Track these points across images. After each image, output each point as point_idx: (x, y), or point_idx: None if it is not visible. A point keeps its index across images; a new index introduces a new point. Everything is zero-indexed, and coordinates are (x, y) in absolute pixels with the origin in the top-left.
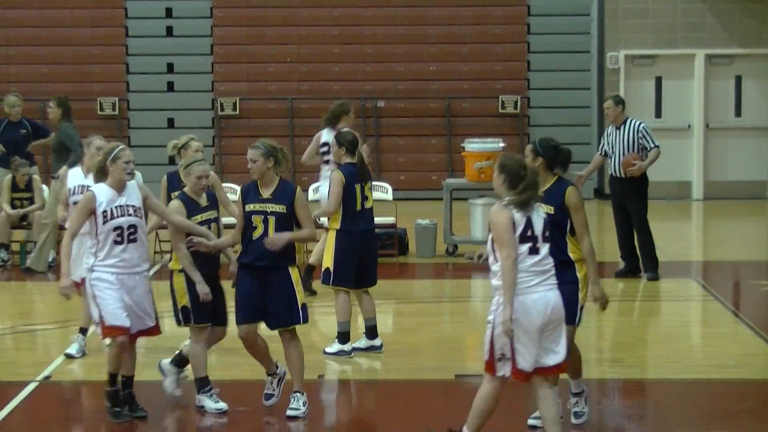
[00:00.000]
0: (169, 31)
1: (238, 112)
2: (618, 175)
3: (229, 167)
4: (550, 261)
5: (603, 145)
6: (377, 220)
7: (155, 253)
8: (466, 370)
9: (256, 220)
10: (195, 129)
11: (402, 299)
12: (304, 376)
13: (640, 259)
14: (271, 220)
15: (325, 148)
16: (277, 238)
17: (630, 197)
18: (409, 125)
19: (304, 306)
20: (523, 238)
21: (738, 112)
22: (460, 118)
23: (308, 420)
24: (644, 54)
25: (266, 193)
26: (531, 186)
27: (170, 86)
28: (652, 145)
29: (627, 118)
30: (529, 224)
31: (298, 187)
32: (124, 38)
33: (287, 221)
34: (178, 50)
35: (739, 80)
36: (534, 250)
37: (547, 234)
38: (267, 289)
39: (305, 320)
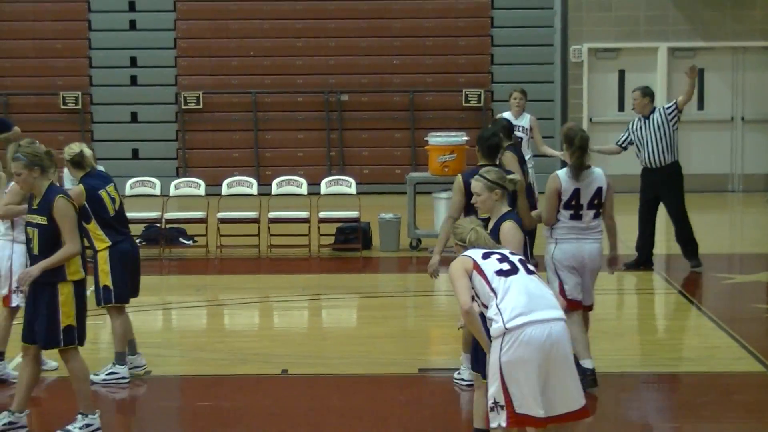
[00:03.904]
0: (132, 25)
1: (201, 105)
2: (653, 166)
3: (192, 161)
4: None
5: (626, 136)
6: (340, 214)
7: None
8: (430, 364)
9: None
10: (158, 123)
11: (366, 293)
12: None
13: (681, 250)
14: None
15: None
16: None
17: (668, 188)
18: (373, 119)
19: None
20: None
21: (701, 105)
22: (423, 112)
23: (272, 415)
24: (607, 47)
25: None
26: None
27: (133, 80)
28: (673, 103)
29: (654, 108)
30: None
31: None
32: (86, 32)
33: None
34: (142, 44)
35: (702, 73)
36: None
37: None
38: None
39: None
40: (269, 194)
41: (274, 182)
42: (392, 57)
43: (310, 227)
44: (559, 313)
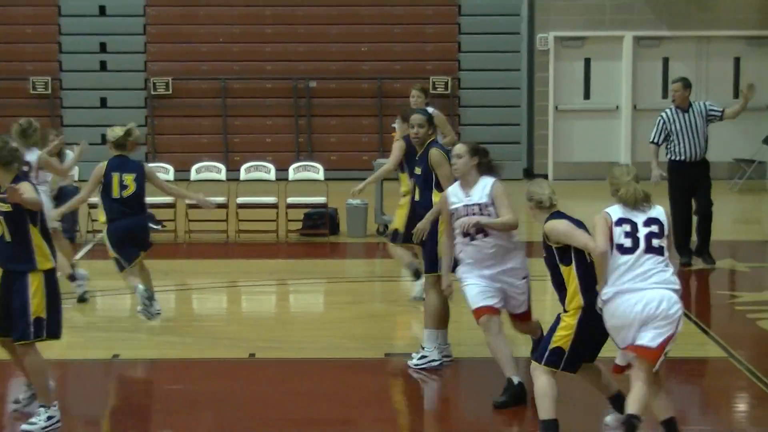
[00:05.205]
0: (102, 11)
1: (170, 91)
2: (692, 159)
3: (161, 147)
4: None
5: (659, 132)
6: (308, 200)
7: (87, 232)
8: (396, 348)
9: None
10: (128, 108)
11: (333, 278)
12: None
13: (698, 244)
14: None
15: None
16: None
17: (702, 182)
18: (341, 105)
19: None
20: None
21: (665, 94)
22: (391, 99)
23: (240, 399)
24: (573, 36)
25: None
26: None
27: (103, 66)
28: (720, 110)
29: (691, 102)
30: None
31: None
32: (56, 17)
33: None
34: (111, 30)
35: (666, 62)
36: None
37: None
38: None
39: None
40: (238, 180)
41: (243, 168)
42: (361, 44)
43: (278, 212)
44: (670, 285)
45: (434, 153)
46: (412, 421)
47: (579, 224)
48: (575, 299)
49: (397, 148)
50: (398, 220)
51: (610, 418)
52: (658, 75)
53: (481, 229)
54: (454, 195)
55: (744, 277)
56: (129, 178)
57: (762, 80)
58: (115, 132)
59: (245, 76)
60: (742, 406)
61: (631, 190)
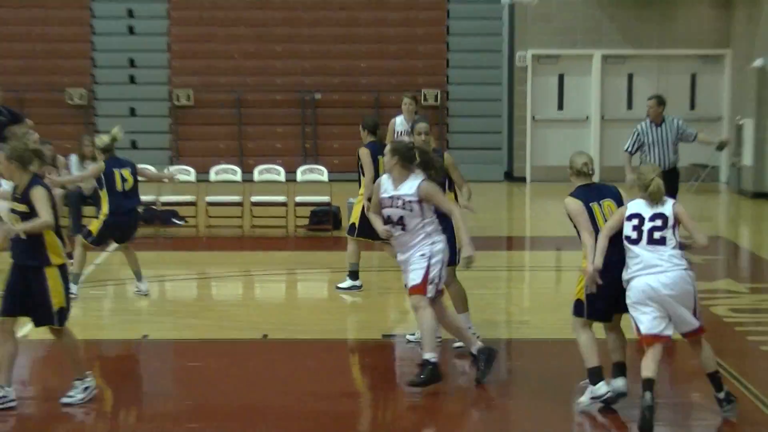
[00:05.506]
0: (131, 30)
1: (192, 102)
2: (662, 169)
3: (184, 152)
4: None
5: (633, 142)
6: (314, 199)
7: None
8: (392, 330)
9: None
10: (154, 117)
11: (335, 268)
12: None
13: None
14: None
15: None
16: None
17: (669, 189)
18: (343, 115)
19: None
20: None
21: (630, 105)
22: (387, 109)
23: (253, 375)
24: (549, 54)
25: None
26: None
27: (132, 79)
28: (694, 133)
29: (665, 117)
30: None
31: None
32: (90, 36)
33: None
34: (139, 47)
35: (631, 77)
36: None
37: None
38: None
39: None
40: (251, 181)
41: (256, 170)
42: (360, 61)
43: (287, 210)
44: (669, 264)
45: (448, 157)
46: (407, 392)
47: (610, 192)
48: (583, 261)
49: (367, 155)
50: (354, 214)
51: (584, 399)
52: (624, 89)
53: (402, 222)
54: (384, 186)
55: (698, 268)
56: (126, 173)
57: (714, 94)
58: (103, 140)
59: (258, 88)
60: (696, 383)
61: (657, 186)
